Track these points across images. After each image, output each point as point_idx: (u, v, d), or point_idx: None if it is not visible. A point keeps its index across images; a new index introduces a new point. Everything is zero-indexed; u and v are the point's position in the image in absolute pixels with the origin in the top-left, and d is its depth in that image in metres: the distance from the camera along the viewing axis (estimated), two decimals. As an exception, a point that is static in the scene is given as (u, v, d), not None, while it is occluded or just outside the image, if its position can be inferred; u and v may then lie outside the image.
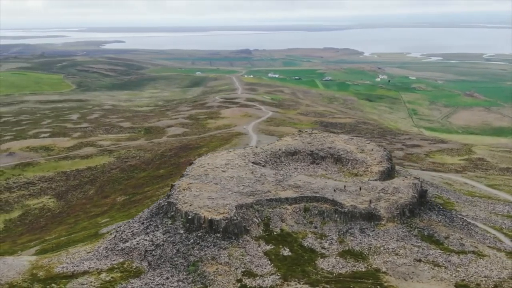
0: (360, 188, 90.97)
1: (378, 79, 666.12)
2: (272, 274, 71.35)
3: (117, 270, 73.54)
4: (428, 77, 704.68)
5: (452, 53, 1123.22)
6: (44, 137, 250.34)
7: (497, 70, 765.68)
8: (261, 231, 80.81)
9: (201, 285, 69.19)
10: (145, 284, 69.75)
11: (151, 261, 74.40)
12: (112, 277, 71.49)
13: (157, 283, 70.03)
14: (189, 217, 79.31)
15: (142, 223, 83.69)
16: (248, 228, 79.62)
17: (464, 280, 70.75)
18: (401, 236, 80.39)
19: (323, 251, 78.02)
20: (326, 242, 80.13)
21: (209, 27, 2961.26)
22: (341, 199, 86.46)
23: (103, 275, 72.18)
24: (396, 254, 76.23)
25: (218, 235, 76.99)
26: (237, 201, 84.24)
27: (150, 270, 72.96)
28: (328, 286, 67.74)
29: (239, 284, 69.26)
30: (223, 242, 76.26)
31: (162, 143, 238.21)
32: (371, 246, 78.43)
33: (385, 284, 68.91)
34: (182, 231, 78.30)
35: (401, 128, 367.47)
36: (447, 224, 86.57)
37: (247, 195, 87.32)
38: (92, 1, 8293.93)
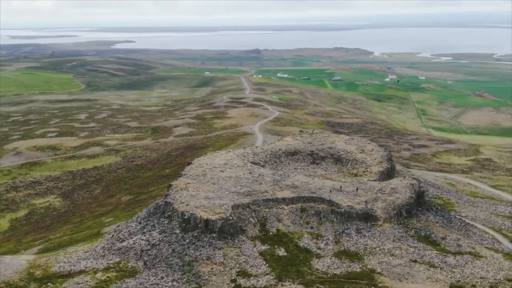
0: (357, 189, 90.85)
1: (387, 79, 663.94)
2: (267, 274, 71.39)
3: (113, 269, 73.85)
4: (437, 77, 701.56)
5: (462, 53, 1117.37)
6: (51, 137, 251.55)
7: (507, 70, 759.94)
8: (257, 231, 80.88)
9: (196, 285, 69.33)
10: (140, 283, 70.00)
11: (146, 261, 74.67)
12: (107, 277, 71.84)
13: (152, 282, 70.25)
14: (185, 217, 79.52)
15: (140, 223, 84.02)
16: (244, 228, 79.71)
17: (459, 281, 70.48)
18: (398, 237, 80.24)
19: (318, 251, 78.01)
20: (322, 242, 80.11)
21: (219, 27, 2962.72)
22: (338, 200, 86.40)
23: (99, 275, 72.52)
24: (392, 255, 76.09)
25: (214, 235, 77.15)
26: (233, 201, 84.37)
27: (146, 269, 73.22)
28: (322, 286, 67.70)
29: (233, 284, 69.36)
30: (218, 242, 76.42)
31: (168, 142, 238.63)
32: (366, 246, 78.34)
33: (380, 284, 68.77)
34: (178, 231, 78.54)
35: (409, 128, 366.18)
36: (444, 225, 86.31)
37: (244, 195, 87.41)
38: (103, 1, 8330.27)
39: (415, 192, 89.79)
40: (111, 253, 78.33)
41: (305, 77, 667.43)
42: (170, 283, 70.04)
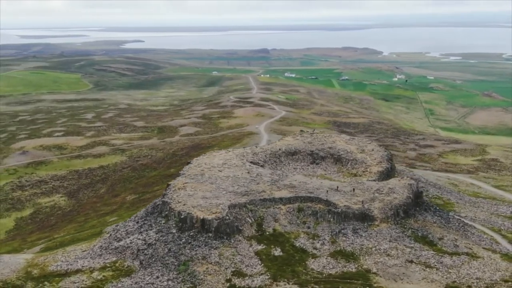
0: (354, 189, 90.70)
1: (396, 79, 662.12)
2: (262, 274, 71.41)
3: (109, 269, 74.09)
4: (446, 77, 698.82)
5: (472, 52, 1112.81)
6: (57, 136, 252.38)
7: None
8: (253, 231, 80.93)
9: (191, 285, 69.44)
10: (135, 283, 70.18)
11: (142, 260, 74.85)
12: (103, 276, 72.09)
13: (147, 282, 70.40)
14: (182, 217, 79.68)
15: (137, 222, 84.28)
16: (240, 228, 79.77)
17: (455, 281, 70.23)
18: (394, 237, 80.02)
19: (314, 251, 77.93)
20: (318, 242, 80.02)
21: (228, 26, 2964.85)
22: (335, 200, 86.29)
23: (95, 274, 72.78)
24: (388, 255, 75.90)
25: (210, 234, 77.27)
26: (230, 200, 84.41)
27: (141, 269, 73.41)
28: (317, 286, 67.63)
29: (228, 284, 69.41)
30: (214, 241, 76.52)
31: (174, 142, 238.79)
32: (363, 246, 78.19)
33: (375, 285, 68.63)
34: (174, 231, 78.71)
35: (417, 128, 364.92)
36: (442, 225, 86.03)
37: (241, 195, 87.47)
38: (112, 1, 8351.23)
39: (413, 192, 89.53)
40: (108, 252, 78.57)
41: (313, 77, 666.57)
42: (165, 283, 70.18)
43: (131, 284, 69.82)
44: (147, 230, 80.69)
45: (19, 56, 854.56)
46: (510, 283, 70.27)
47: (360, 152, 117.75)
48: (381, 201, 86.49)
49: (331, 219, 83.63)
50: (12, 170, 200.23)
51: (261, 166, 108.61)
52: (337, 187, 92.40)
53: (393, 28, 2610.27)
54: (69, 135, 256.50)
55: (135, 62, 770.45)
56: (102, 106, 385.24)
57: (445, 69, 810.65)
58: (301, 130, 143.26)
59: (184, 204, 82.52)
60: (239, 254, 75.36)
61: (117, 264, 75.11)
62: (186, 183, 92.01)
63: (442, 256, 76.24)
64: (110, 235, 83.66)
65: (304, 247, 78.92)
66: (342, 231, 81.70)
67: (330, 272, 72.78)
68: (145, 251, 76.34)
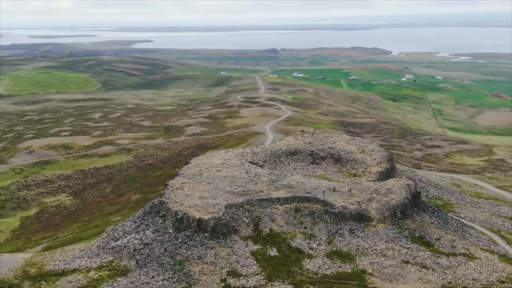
0: (350, 189, 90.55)
1: (404, 79, 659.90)
2: (257, 274, 71.47)
3: (105, 268, 74.41)
4: (455, 77, 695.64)
5: (481, 52, 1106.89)
6: (64, 136, 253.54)
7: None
8: (250, 231, 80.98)
9: (186, 284, 69.60)
10: (131, 282, 70.42)
11: (139, 260, 75.10)
12: (99, 275, 72.41)
13: (143, 281, 70.62)
14: (179, 216, 79.88)
15: (135, 222, 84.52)
16: (237, 228, 79.84)
17: (451, 282, 70.06)
18: (391, 238, 79.85)
19: (310, 251, 77.91)
20: (314, 242, 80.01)
21: (237, 26, 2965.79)
22: (332, 200, 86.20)
23: (91, 273, 73.11)
24: (384, 256, 75.77)
25: (206, 234, 77.40)
26: (227, 200, 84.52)
27: (137, 268, 73.64)
28: (311, 286, 67.68)
29: (223, 284, 69.51)
30: (210, 241, 76.63)
31: (180, 142, 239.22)
32: (359, 247, 78.10)
33: (370, 285, 68.60)
34: (171, 230, 78.91)
35: (425, 129, 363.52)
36: (440, 226, 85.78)
37: (238, 195, 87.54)
38: (122, 1, 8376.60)
39: (410, 193, 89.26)
40: (105, 252, 78.87)
41: (321, 77, 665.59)
42: (160, 282, 70.39)
43: (127, 284, 70.07)
44: (144, 230, 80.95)
45: (28, 56, 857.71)
46: (506, 284, 70.06)
47: (360, 152, 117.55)
48: (379, 201, 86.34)
49: (328, 220, 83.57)
50: (18, 169, 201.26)
51: (260, 166, 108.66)
52: (334, 187, 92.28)
53: (403, 28, 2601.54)
54: (76, 134, 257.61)
55: (143, 62, 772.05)
56: (110, 106, 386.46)
57: (454, 69, 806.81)
58: (302, 130, 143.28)
59: (181, 204, 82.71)
60: (234, 254, 75.46)
61: (113, 264, 75.42)
62: (184, 183, 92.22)
63: (438, 256, 76.05)
64: (108, 234, 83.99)
65: (300, 247, 78.93)
66: (339, 231, 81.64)
67: (325, 272, 72.75)
68: (142, 250, 76.60)
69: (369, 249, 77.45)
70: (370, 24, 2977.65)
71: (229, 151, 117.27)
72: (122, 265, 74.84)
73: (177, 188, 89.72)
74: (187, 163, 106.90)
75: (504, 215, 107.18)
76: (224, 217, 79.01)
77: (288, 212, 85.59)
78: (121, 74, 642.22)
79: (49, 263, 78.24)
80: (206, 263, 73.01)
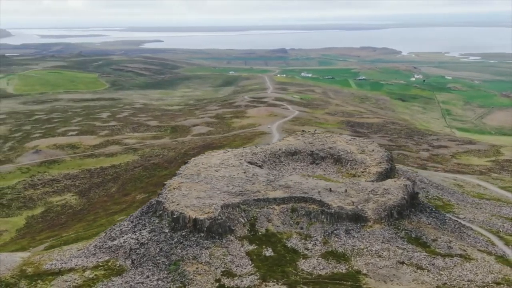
0: (346, 190, 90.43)
1: (413, 79, 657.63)
2: (252, 274, 71.56)
3: (101, 268, 74.71)
4: (465, 77, 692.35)
5: (491, 52, 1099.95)
6: (71, 135, 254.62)
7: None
8: (246, 231, 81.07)
9: (180, 284, 69.78)
10: (126, 282, 70.67)
11: (134, 260, 75.33)
12: (95, 275, 72.72)
13: (138, 281, 70.84)
14: (175, 216, 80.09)
15: (132, 222, 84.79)
16: (233, 228, 79.97)
17: (446, 283, 69.85)
18: (387, 238, 79.66)
19: (306, 252, 77.91)
20: (310, 243, 79.97)
21: (247, 26, 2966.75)
22: (328, 200, 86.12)
23: (87, 273, 73.42)
24: (379, 256, 75.63)
25: (202, 234, 77.56)
26: (224, 200, 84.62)
27: (133, 268, 73.90)
28: (305, 287, 67.72)
29: (217, 284, 69.63)
30: (206, 241, 76.78)
31: (186, 142, 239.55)
32: (354, 247, 77.99)
33: (364, 286, 68.53)
34: (167, 230, 79.12)
35: (433, 129, 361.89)
36: (437, 227, 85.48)
37: (235, 195, 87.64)
38: (133, 1, 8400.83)
39: (408, 193, 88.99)
40: (102, 251, 79.19)
41: (329, 77, 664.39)
42: (155, 282, 70.59)
43: (121, 284, 70.34)
44: (140, 230, 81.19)
45: (37, 56, 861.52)
46: (502, 285, 69.77)
47: (360, 153, 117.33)
48: (375, 202, 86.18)
49: (324, 220, 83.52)
50: (25, 168, 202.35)
51: (259, 166, 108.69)
52: (330, 188, 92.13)
53: (413, 27, 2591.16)
54: (83, 134, 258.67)
55: (152, 62, 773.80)
56: (118, 106, 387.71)
57: (464, 69, 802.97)
58: (303, 130, 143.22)
59: (177, 204, 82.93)
60: (230, 254, 75.57)
61: (109, 263, 75.73)
62: (181, 182, 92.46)
63: (434, 257, 75.85)
64: (106, 234, 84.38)
65: (296, 247, 78.95)
66: (335, 231, 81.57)
67: (320, 273, 72.73)
68: (137, 250, 76.84)
69: (365, 250, 77.37)
70: (380, 24, 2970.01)
71: (228, 151, 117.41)
72: (118, 265, 75.15)
73: (174, 188, 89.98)
74: (186, 163, 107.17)
75: (505, 216, 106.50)
76: (220, 217, 79.18)
77: (285, 212, 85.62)
78: (130, 74, 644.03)
79: (46, 262, 78.69)
80: (201, 263, 73.18)
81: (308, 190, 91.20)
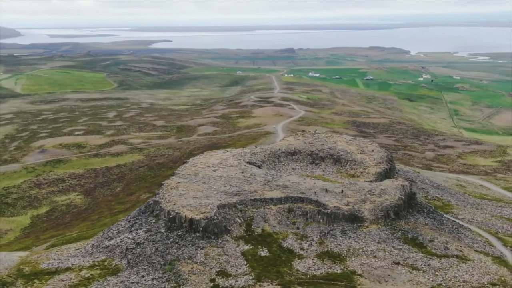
0: (342, 190, 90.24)
1: (421, 79, 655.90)
2: (246, 274, 71.54)
3: (97, 267, 74.94)
4: (473, 77, 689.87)
5: (501, 52, 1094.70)
6: (77, 135, 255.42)
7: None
8: (242, 231, 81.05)
9: (175, 284, 69.87)
10: (121, 282, 70.85)
11: (130, 259, 75.50)
12: (91, 274, 72.93)
13: (132, 281, 71.03)
14: (171, 216, 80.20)
15: (129, 221, 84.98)
16: (229, 228, 79.98)
17: (441, 284, 69.60)
18: (383, 239, 79.47)
19: (301, 252, 77.84)
20: (306, 243, 79.89)
21: (256, 26, 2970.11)
22: (325, 200, 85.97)
23: (83, 272, 73.66)
24: (375, 257, 75.47)
25: (198, 234, 77.61)
26: (220, 200, 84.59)
27: (128, 268, 74.07)
28: (300, 287, 67.69)
29: (211, 284, 69.65)
30: (201, 241, 76.82)
31: (191, 141, 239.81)
32: (350, 248, 77.83)
33: (358, 286, 68.40)
34: (163, 230, 79.23)
35: (441, 129, 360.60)
36: (434, 227, 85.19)
37: (232, 195, 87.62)
38: (142, 1, 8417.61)
39: (405, 194, 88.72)
40: (98, 251, 79.43)
41: (337, 77, 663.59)
42: (150, 282, 70.72)
43: (116, 283, 70.52)
44: (137, 229, 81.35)
45: (46, 56, 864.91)
46: (498, 286, 69.52)
47: (360, 153, 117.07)
48: (372, 202, 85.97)
49: (321, 220, 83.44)
50: (30, 168, 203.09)
51: (258, 166, 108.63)
52: (326, 189, 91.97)
53: (422, 27, 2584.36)
54: (89, 134, 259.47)
55: (160, 61, 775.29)
56: (125, 105, 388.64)
57: (473, 69, 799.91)
58: (303, 130, 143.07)
59: (174, 204, 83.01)
60: (225, 254, 75.60)
61: (105, 263, 75.95)
62: (179, 182, 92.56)
63: (430, 258, 75.63)
64: (103, 233, 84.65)
65: (292, 247, 78.91)
66: (331, 232, 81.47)
67: (314, 273, 72.66)
68: (133, 250, 77.01)
69: (360, 250, 77.23)
70: (388, 24, 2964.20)
71: (227, 151, 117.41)
72: (114, 264, 75.36)
73: (171, 188, 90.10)
74: (184, 162, 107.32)
75: (506, 216, 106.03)
76: (216, 217, 79.22)
77: (281, 213, 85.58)
78: (137, 74, 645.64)
79: (44, 261, 79.02)
80: (196, 263, 73.23)
81: (305, 190, 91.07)
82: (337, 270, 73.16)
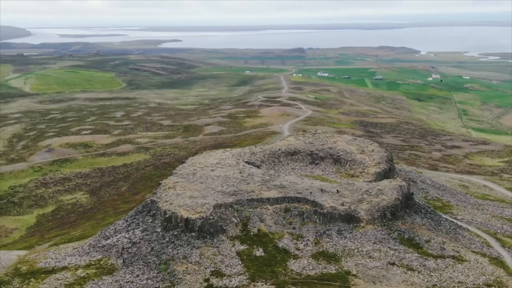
0: (338, 191, 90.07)
1: (431, 79, 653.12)
2: (241, 274, 71.60)
3: (93, 266, 75.19)
4: (483, 77, 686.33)
5: (511, 52, 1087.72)
6: (85, 134, 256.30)
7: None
8: (238, 231, 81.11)
9: (169, 284, 70.03)
10: (116, 281, 71.09)
11: (126, 259, 75.72)
12: (87, 273, 73.19)
13: (127, 280, 71.25)
14: (167, 216, 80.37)
15: (126, 221, 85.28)
16: (225, 228, 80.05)
17: (435, 285, 69.39)
18: (379, 239, 79.27)
19: (296, 252, 77.80)
20: (301, 243, 79.85)
21: (266, 26, 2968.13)
22: (322, 200, 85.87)
23: (79, 271, 73.93)
24: (370, 257, 75.32)
25: (193, 234, 77.72)
26: (217, 200, 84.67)
27: (124, 267, 74.30)
28: (294, 287, 67.68)
29: (206, 284, 69.76)
30: (197, 241, 76.91)
31: (197, 141, 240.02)
32: (345, 248, 77.71)
33: (353, 287, 68.28)
34: (159, 230, 79.40)
35: (449, 129, 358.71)
36: (431, 228, 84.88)
37: (229, 195, 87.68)
38: (152, 1, 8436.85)
39: (402, 194, 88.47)
40: (95, 250, 79.71)
41: (346, 76, 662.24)
42: (144, 281, 70.92)
43: (111, 282, 70.78)
44: (134, 229, 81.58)
45: (55, 55, 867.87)
46: (493, 287, 69.23)
47: (360, 153, 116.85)
48: (369, 202, 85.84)
49: (317, 220, 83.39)
50: (37, 167, 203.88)
51: (257, 166, 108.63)
52: (321, 189, 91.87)
53: (433, 27, 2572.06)
54: (96, 133, 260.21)
55: (169, 61, 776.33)
56: (133, 105, 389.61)
57: (483, 69, 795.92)
58: (304, 130, 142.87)
59: (170, 204, 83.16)
60: (220, 254, 75.67)
61: (101, 262, 76.19)
62: (176, 182, 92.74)
63: (426, 259, 75.39)
64: (101, 232, 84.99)
65: (287, 247, 78.88)
66: (327, 232, 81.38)
67: (309, 273, 72.60)
68: (129, 249, 77.22)
69: (356, 250, 77.13)
70: (399, 23, 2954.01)
71: (226, 150, 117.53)
72: (109, 264, 75.61)
73: (169, 188, 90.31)
74: (183, 162, 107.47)
75: (506, 217, 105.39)
76: (211, 217, 79.30)
77: (278, 213, 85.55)
78: (146, 74, 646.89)
79: (41, 260, 79.40)
80: (191, 263, 73.36)
81: (302, 190, 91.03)
82: (331, 270, 73.08)
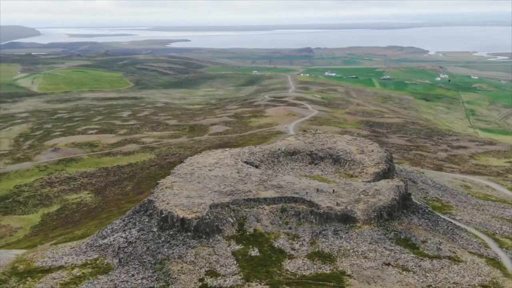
0: (334, 191, 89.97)
1: (438, 79, 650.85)
2: (235, 274, 71.64)
3: (89, 266, 75.47)
4: (491, 77, 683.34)
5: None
6: (91, 134, 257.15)
7: None
8: (234, 231, 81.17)
9: (164, 283, 70.21)
10: (111, 280, 71.33)
11: (121, 258, 75.97)
12: (82, 273, 73.45)
13: (122, 280, 71.47)
14: (163, 215, 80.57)
15: (123, 220, 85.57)
16: (221, 228, 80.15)
17: (430, 285, 69.13)
18: (375, 239, 79.09)
19: (292, 252, 77.77)
20: (297, 243, 79.81)
21: (274, 26, 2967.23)
22: (318, 200, 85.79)
23: (75, 271, 74.21)
24: (365, 257, 75.17)
25: (189, 234, 77.87)
26: (213, 200, 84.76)
27: (119, 266, 74.57)
28: (288, 287, 67.71)
29: (200, 283, 69.89)
30: (192, 241, 77.03)
31: (203, 141, 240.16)
32: (341, 248, 77.58)
33: (347, 287, 68.19)
34: (155, 229, 79.61)
35: (456, 129, 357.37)
36: (428, 228, 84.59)
37: (226, 195, 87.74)
38: (161, 1, 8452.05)
39: (400, 194, 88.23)
40: (92, 249, 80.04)
41: (353, 76, 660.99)
42: (139, 281, 71.11)
43: (106, 282, 71.03)
44: (130, 229, 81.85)
45: (63, 55, 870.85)
46: (488, 288, 69.06)
47: (360, 153, 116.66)
48: (365, 202, 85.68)
49: (313, 220, 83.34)
50: (42, 166, 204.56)
51: (256, 166, 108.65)
52: (317, 189, 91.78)
53: (441, 27, 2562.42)
54: (102, 133, 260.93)
55: (177, 61, 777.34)
56: (140, 105, 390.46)
57: (491, 69, 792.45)
58: (304, 130, 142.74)
59: (167, 203, 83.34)
60: (215, 254, 75.73)
61: (97, 262, 76.47)
62: (174, 182, 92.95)
63: (422, 259, 75.14)
64: (98, 232, 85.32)
65: (283, 247, 78.85)
66: (323, 232, 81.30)
67: (304, 273, 72.52)
68: (125, 249, 77.47)
69: (351, 251, 76.99)
70: (408, 23, 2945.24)
71: (225, 150, 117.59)
72: (105, 263, 75.88)
73: (166, 187, 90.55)
74: (181, 162, 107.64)
75: (507, 218, 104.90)
76: (207, 217, 79.43)
77: (274, 212, 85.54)
78: (154, 73, 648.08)
79: (39, 259, 79.78)
80: (186, 263, 73.48)
81: (299, 190, 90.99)
82: (326, 271, 72.98)
